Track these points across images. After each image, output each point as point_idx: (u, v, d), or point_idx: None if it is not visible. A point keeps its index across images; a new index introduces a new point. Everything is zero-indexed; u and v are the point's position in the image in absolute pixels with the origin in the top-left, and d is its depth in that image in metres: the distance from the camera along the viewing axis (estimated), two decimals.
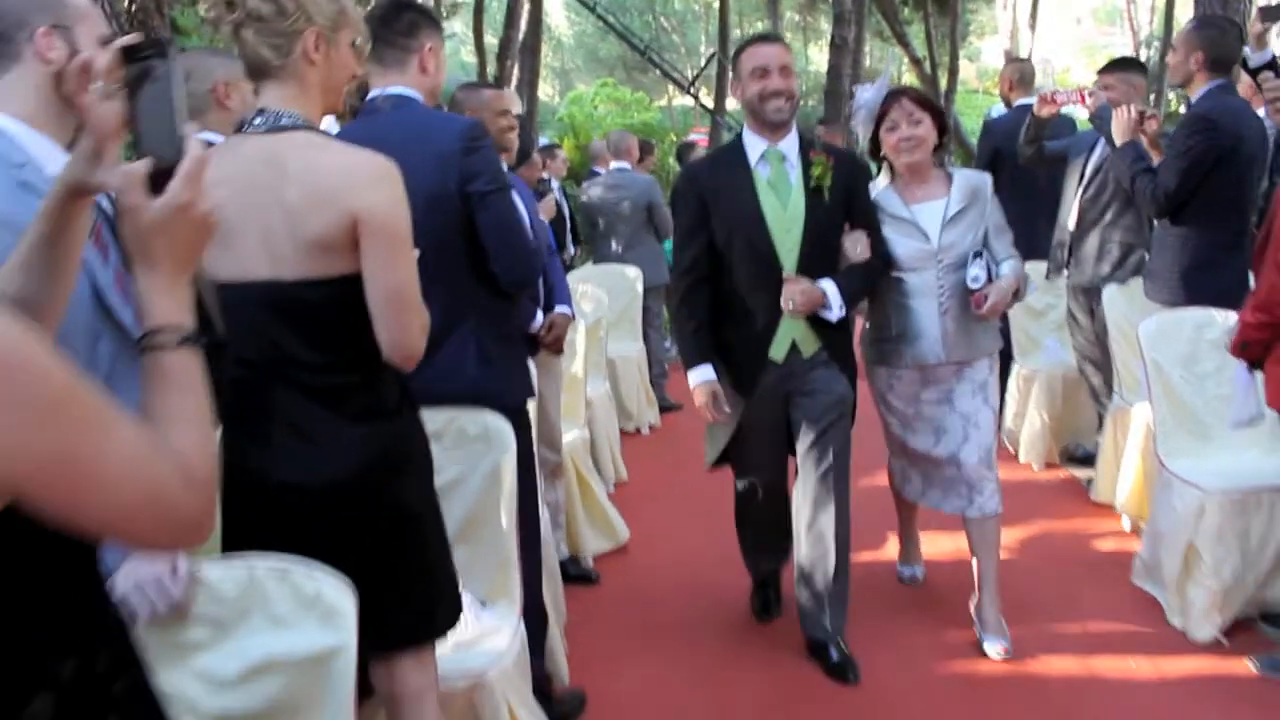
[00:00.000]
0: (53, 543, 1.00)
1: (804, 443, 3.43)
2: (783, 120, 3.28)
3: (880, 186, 3.55)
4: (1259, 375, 3.20)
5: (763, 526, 3.70)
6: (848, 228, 3.38)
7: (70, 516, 0.96)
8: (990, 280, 3.40)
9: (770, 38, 3.44)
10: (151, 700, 1.15)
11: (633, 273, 6.87)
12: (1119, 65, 5.06)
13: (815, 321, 3.33)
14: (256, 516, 1.95)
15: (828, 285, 3.28)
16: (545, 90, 27.80)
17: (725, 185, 3.32)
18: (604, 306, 5.84)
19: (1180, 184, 3.96)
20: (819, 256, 3.30)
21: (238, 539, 1.94)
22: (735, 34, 26.59)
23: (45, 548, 1.00)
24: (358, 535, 1.96)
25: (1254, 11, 4.59)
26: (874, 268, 3.40)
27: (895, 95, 3.48)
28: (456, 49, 29.33)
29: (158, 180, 1.13)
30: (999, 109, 6.78)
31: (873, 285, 3.47)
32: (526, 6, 19.58)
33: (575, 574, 4.24)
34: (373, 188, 1.93)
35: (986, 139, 6.15)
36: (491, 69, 17.64)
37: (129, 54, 1.18)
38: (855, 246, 3.35)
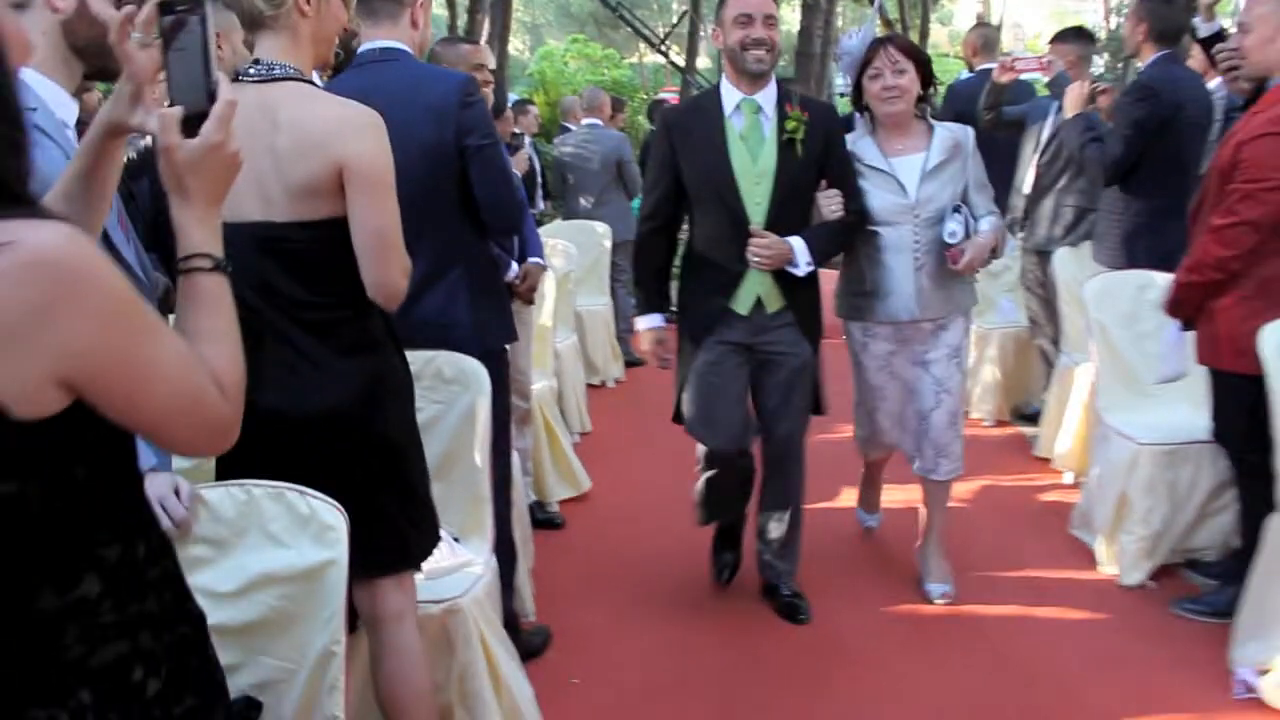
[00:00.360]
0: (103, 443, 1.16)
1: (767, 404, 3.46)
2: (763, 71, 3.23)
3: (861, 136, 3.52)
4: (1189, 334, 3.40)
5: (721, 487, 3.61)
6: (823, 184, 3.34)
7: (125, 414, 1.13)
8: (968, 236, 3.36)
9: None
10: (181, 585, 1.31)
11: (601, 228, 6.99)
12: (1068, 35, 5.31)
13: (781, 277, 3.30)
14: (247, 443, 2.08)
15: (796, 241, 3.25)
16: (516, 45, 27.60)
17: (698, 134, 3.29)
18: (573, 261, 5.99)
19: (1126, 151, 4.15)
20: (789, 211, 3.27)
21: (230, 466, 2.09)
22: None
23: (96, 448, 1.16)
24: (344, 462, 2.11)
25: None
26: (847, 225, 3.35)
27: (881, 42, 3.44)
28: None
29: (190, 123, 1.27)
30: (967, 73, 6.94)
31: (845, 243, 3.46)
32: None
33: (541, 519, 4.41)
34: (358, 137, 2.05)
35: (950, 103, 6.31)
36: (462, 22, 17.50)
37: (164, 7, 1.30)
38: (829, 204, 3.31)
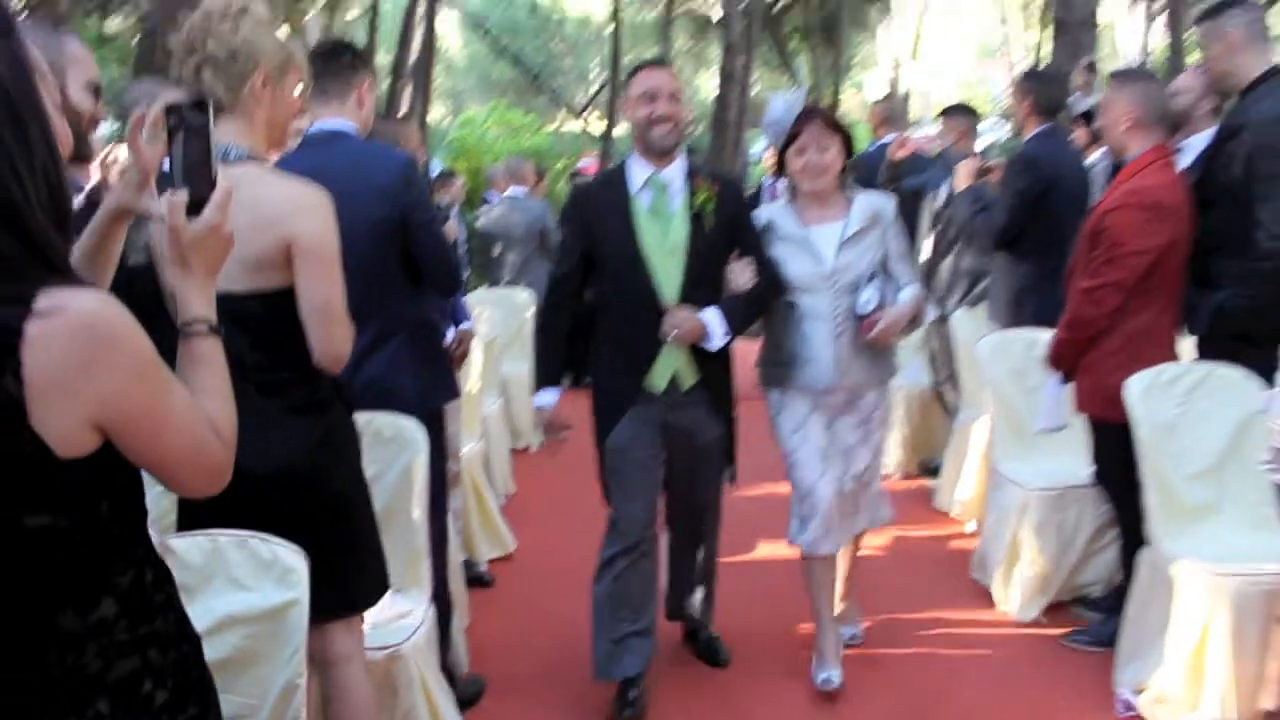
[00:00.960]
0: (122, 482, 1.36)
1: (680, 483, 3.49)
2: (667, 147, 3.25)
3: (779, 205, 3.56)
4: (1069, 386, 3.74)
5: (626, 581, 3.43)
6: (734, 255, 3.34)
7: (143, 455, 1.34)
8: (882, 306, 3.37)
9: (661, 63, 3.45)
10: (181, 610, 1.49)
11: (524, 296, 7.20)
12: (955, 111, 5.80)
13: (696, 352, 3.29)
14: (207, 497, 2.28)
15: (710, 315, 3.24)
16: (436, 111, 27.87)
17: (607, 211, 3.30)
18: (498, 327, 6.20)
19: (1010, 220, 4.52)
20: (701, 285, 3.26)
21: (192, 517, 2.25)
22: (627, 59, 27.11)
23: (118, 486, 1.36)
24: (296, 514, 2.27)
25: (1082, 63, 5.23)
26: (760, 295, 3.35)
27: (807, 117, 3.43)
28: None
29: (193, 206, 1.48)
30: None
31: (759, 313, 3.46)
32: (420, 27, 19.90)
33: (471, 577, 4.55)
34: (305, 216, 2.26)
35: (853, 171, 6.70)
36: (383, 89, 17.78)
37: (170, 110, 1.51)
38: (741, 274, 3.31)
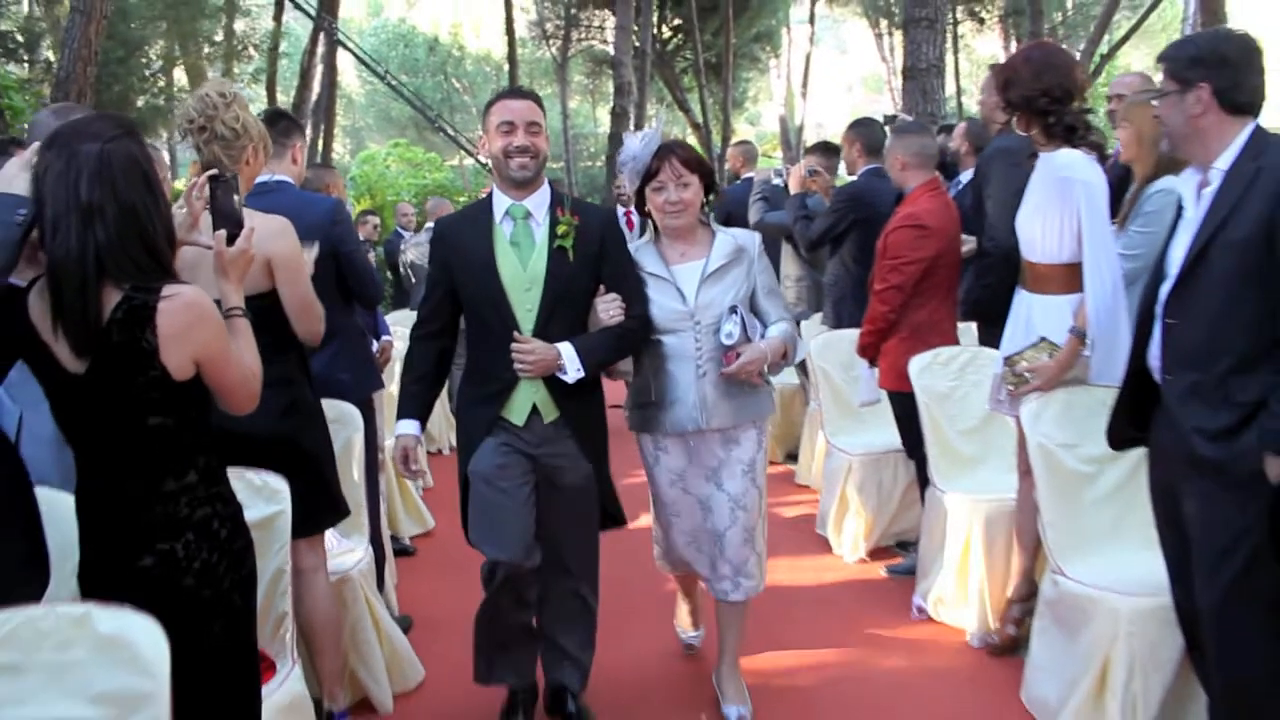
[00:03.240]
0: (203, 397, 2.21)
1: (551, 524, 3.33)
2: (526, 179, 3.19)
3: (643, 243, 3.51)
4: (875, 370, 4.71)
5: (503, 613, 3.41)
6: (601, 290, 3.28)
7: (217, 381, 2.19)
8: (747, 339, 3.29)
9: (521, 92, 3.33)
10: (229, 483, 2.34)
11: None
12: (817, 148, 6.80)
13: (556, 386, 3.20)
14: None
15: (564, 347, 3.16)
16: (336, 149, 28.43)
17: (469, 242, 3.25)
18: None
19: (822, 234, 5.57)
20: (561, 318, 3.20)
21: None
22: None
23: (201, 400, 2.20)
24: (278, 461, 3.07)
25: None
26: (626, 331, 3.27)
27: (664, 154, 3.36)
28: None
29: (229, 239, 2.36)
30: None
31: (623, 350, 3.33)
32: (319, 68, 20.59)
33: (397, 549, 5.36)
34: (278, 239, 3.06)
35: (721, 206, 7.70)
36: None
37: (212, 179, 2.39)
38: (607, 309, 3.24)
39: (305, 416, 3.24)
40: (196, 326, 2.12)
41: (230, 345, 2.23)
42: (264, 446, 3.04)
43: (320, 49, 20.42)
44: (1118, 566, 3.27)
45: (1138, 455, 3.12)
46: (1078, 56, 21.11)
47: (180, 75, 24.07)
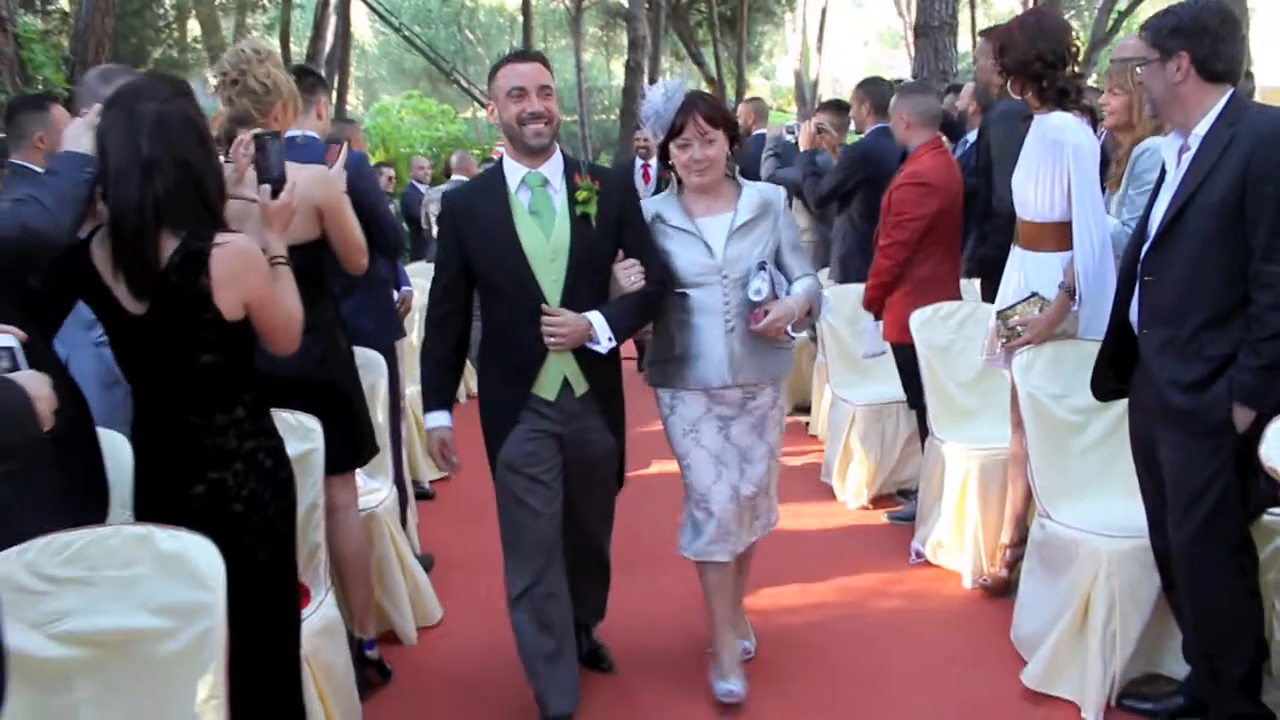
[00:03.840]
0: (251, 337, 2.41)
1: (571, 496, 3.31)
2: (542, 145, 3.11)
3: (665, 196, 3.43)
4: (879, 323, 4.88)
5: (541, 602, 3.29)
6: (620, 255, 3.21)
7: (264, 322, 2.39)
8: (775, 296, 3.24)
9: (528, 55, 3.23)
10: (271, 418, 2.55)
11: None
12: (829, 106, 6.92)
13: (586, 357, 3.15)
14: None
15: (594, 316, 3.10)
16: (350, 100, 28.46)
17: (484, 214, 3.15)
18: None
19: (831, 190, 5.73)
20: (587, 287, 3.13)
21: None
22: (539, 48, 27.97)
23: (249, 339, 2.40)
24: (308, 402, 3.27)
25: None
26: (649, 296, 3.21)
27: (688, 109, 3.24)
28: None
29: (274, 192, 2.55)
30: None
31: (649, 315, 3.30)
32: (333, 19, 20.62)
33: (417, 492, 5.58)
34: (320, 187, 3.18)
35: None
36: None
37: (257, 137, 2.58)
38: (628, 275, 3.18)
39: (341, 361, 3.45)
40: (247, 271, 2.32)
41: (278, 288, 2.43)
42: (305, 388, 3.22)
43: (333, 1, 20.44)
44: (1101, 511, 3.45)
45: (1123, 406, 3.28)
46: (1095, 13, 21.05)
47: (194, 27, 24.12)
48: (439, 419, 3.28)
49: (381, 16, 24.34)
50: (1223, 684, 2.90)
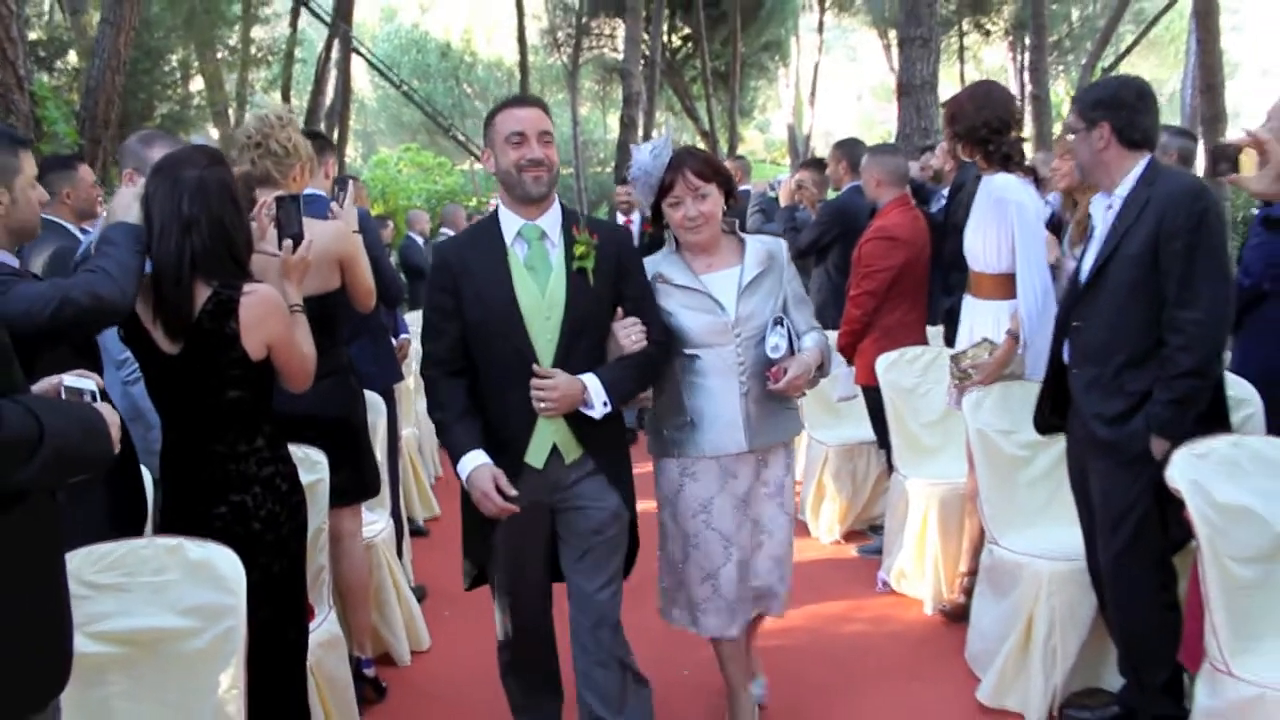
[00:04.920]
0: (271, 375, 2.71)
1: (572, 566, 3.05)
2: (542, 194, 2.92)
3: (666, 254, 3.26)
4: (852, 368, 5.19)
5: (528, 670, 3.23)
6: (619, 314, 3.02)
7: (283, 363, 2.70)
8: (792, 352, 3.10)
9: (528, 100, 3.02)
10: (291, 458, 2.85)
11: None
12: (809, 164, 7.29)
13: (578, 421, 2.91)
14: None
15: (589, 379, 2.88)
16: (348, 153, 28.92)
17: (478, 267, 2.93)
18: None
19: (809, 244, 6.07)
20: (582, 347, 2.92)
21: None
22: None
23: (269, 377, 2.70)
24: (334, 439, 3.55)
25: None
26: (652, 357, 3.01)
27: (677, 166, 3.11)
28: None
29: (293, 248, 2.86)
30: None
31: (650, 377, 3.08)
32: (334, 75, 21.12)
33: (411, 529, 5.85)
34: (340, 241, 3.52)
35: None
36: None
37: (279, 200, 2.90)
38: (627, 334, 2.97)
39: (356, 401, 3.76)
40: (270, 317, 2.64)
41: (296, 333, 2.75)
42: (323, 426, 3.51)
43: (335, 55, 20.95)
44: (1046, 538, 3.73)
45: None
46: (1080, 70, 21.64)
47: (197, 82, 24.63)
48: (479, 457, 2.88)
49: (380, 71, 24.91)
50: (1148, 689, 3.19)
